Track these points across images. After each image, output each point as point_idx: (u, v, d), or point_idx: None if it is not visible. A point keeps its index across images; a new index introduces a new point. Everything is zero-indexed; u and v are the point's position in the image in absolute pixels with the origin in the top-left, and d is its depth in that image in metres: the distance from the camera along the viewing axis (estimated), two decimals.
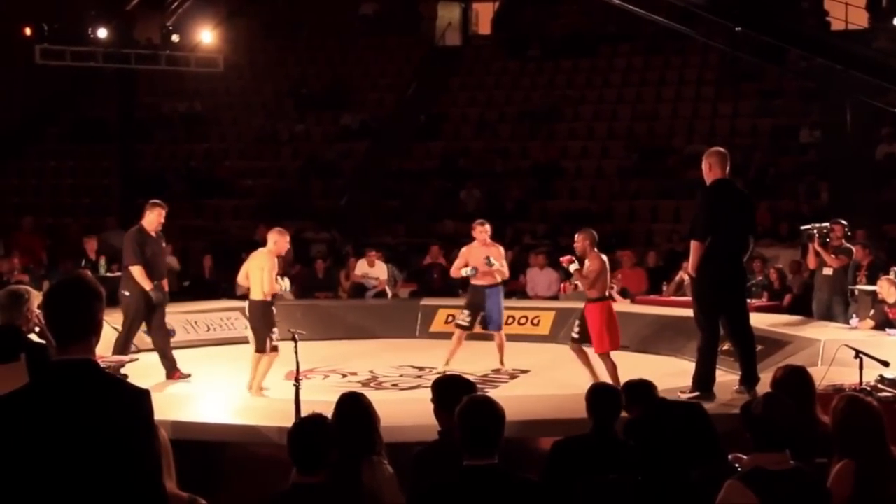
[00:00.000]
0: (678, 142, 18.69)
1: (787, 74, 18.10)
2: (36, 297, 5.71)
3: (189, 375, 9.60)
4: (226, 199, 19.61)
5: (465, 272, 10.26)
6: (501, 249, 10.47)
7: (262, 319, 8.81)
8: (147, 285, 9.26)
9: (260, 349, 8.78)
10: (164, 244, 9.80)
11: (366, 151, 20.22)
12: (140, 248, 9.40)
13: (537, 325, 12.49)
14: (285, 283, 9.05)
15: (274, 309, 8.88)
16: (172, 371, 9.55)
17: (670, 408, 5.24)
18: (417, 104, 21.49)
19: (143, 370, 9.58)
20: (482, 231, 10.24)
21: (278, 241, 8.87)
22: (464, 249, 10.41)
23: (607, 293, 9.16)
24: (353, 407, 4.42)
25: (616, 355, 10.97)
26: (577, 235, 9.17)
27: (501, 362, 10.38)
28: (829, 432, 4.58)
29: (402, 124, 20.87)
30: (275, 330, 8.78)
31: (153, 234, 9.56)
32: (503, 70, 22.15)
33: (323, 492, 3.68)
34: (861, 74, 12.98)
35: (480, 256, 10.09)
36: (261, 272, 8.73)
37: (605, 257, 9.09)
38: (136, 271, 9.34)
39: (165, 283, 9.84)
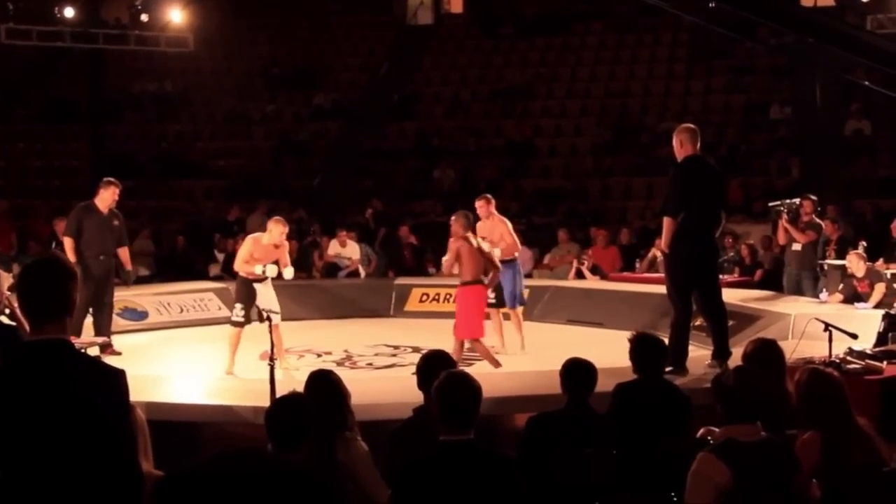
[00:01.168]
0: (651, 119, 18.77)
1: (763, 47, 18.17)
2: (6, 280, 5.68)
3: (120, 353, 9.54)
4: (198, 180, 19.49)
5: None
6: (508, 225, 10.05)
7: (236, 294, 9.17)
8: (71, 257, 9.23)
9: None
10: (116, 222, 9.84)
11: (338, 131, 20.15)
12: (78, 222, 9.61)
13: None
14: (267, 269, 8.87)
15: (258, 287, 8.91)
16: (106, 347, 9.54)
17: (664, 386, 5.21)
18: (390, 83, 21.42)
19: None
20: (479, 206, 9.99)
21: (272, 229, 9.00)
22: (478, 225, 10.02)
23: (482, 277, 8.85)
24: (323, 384, 4.44)
25: (591, 331, 11.13)
26: (452, 218, 9.10)
27: (521, 345, 10.00)
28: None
29: (374, 104, 20.80)
30: (237, 305, 8.92)
31: (105, 211, 9.71)
32: (476, 49, 22.11)
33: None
34: (833, 48, 13.06)
35: (489, 232, 9.81)
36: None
37: (472, 241, 8.81)
38: (67, 243, 9.51)
39: (127, 260, 10.06)
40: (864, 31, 12.58)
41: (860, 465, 3.96)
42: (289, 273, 9.05)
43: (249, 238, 9.16)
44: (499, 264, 9.16)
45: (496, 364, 8.69)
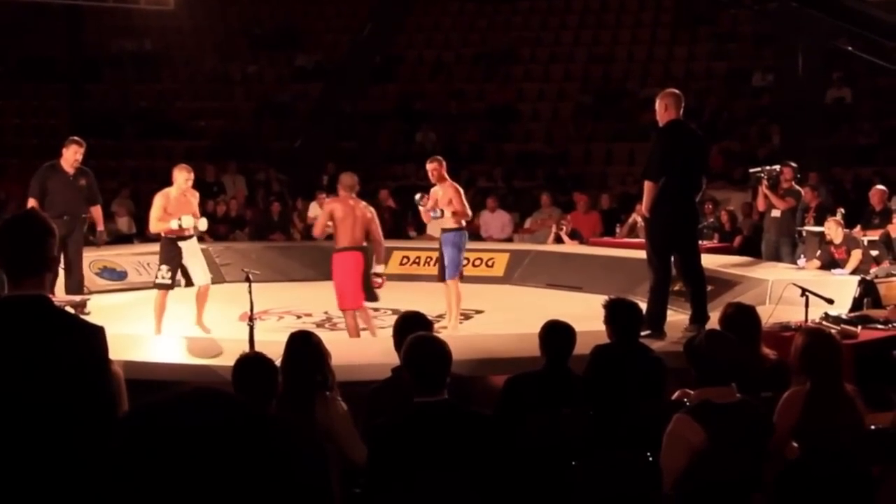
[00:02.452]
0: (633, 85, 18.73)
1: (747, 14, 18.15)
2: None
3: (89, 313, 9.38)
4: (178, 140, 19.34)
5: (432, 215, 9.42)
6: (458, 191, 9.32)
7: (160, 255, 8.87)
8: None
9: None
10: (83, 181, 9.71)
11: (320, 93, 20.01)
12: (42, 182, 9.53)
13: (492, 266, 12.58)
14: (183, 221, 8.59)
15: (182, 245, 8.71)
16: (78, 306, 9.47)
17: (640, 349, 5.24)
18: (372, 45, 21.26)
19: (93, 311, 9.54)
20: (430, 170, 9.26)
21: (176, 177, 8.78)
22: (432, 190, 9.54)
23: (360, 244, 8.29)
24: (304, 344, 4.48)
25: (570, 295, 11.18)
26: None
27: (453, 318, 9.24)
28: (775, 367, 4.72)
29: (357, 66, 20.65)
30: (162, 267, 8.72)
31: (70, 170, 9.58)
32: (459, 11, 21.95)
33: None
34: (815, 12, 13.06)
35: (439, 197, 9.26)
36: None
37: (351, 203, 8.26)
38: (29, 204, 9.33)
39: (100, 219, 10.01)
40: None
41: (840, 426, 4.02)
42: (202, 224, 8.77)
43: (158, 195, 8.81)
44: (380, 237, 8.48)
45: (354, 335, 8.21)
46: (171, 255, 8.67)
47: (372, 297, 8.44)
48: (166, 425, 1.40)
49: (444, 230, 9.34)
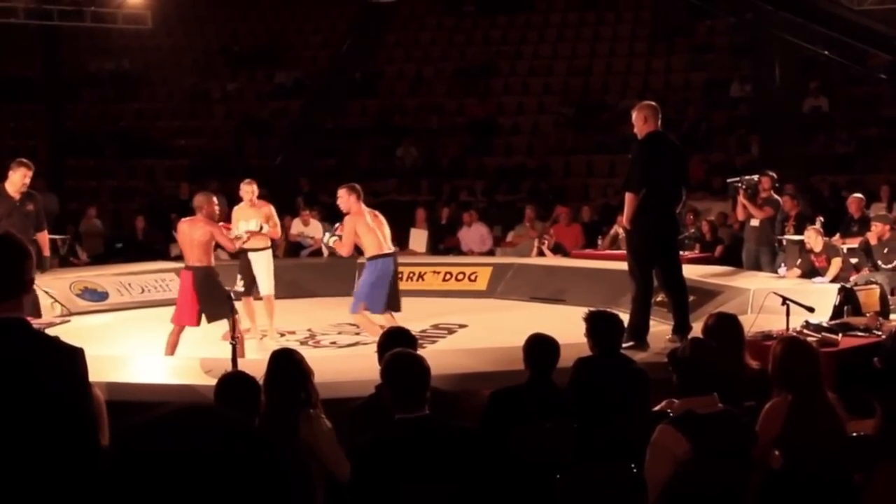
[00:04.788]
0: (613, 97, 18.83)
1: (723, 25, 18.27)
2: None
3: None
4: (158, 159, 19.30)
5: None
6: (361, 221, 8.54)
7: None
8: None
9: None
10: (31, 206, 9.14)
11: (300, 109, 20.02)
12: None
13: (474, 280, 12.58)
14: (239, 227, 9.43)
15: (251, 256, 9.73)
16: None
17: (622, 360, 5.23)
18: (352, 61, 21.30)
19: (74, 333, 9.48)
20: (338, 197, 8.68)
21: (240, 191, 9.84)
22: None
23: (198, 263, 8.14)
24: (285, 362, 4.47)
25: (553, 308, 11.19)
26: None
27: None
28: (758, 376, 4.74)
29: (336, 82, 20.68)
30: (238, 276, 9.74)
31: (16, 195, 9.02)
32: (438, 26, 22.03)
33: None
34: (789, 16, 13.16)
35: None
36: None
37: (191, 224, 8.20)
38: None
39: (46, 245, 9.49)
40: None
41: (822, 434, 4.03)
42: (251, 225, 9.37)
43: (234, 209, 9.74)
44: (226, 245, 8.52)
45: (168, 353, 8.19)
46: (244, 266, 9.68)
47: (220, 315, 8.02)
48: (160, 448, 1.39)
49: (369, 258, 8.73)
